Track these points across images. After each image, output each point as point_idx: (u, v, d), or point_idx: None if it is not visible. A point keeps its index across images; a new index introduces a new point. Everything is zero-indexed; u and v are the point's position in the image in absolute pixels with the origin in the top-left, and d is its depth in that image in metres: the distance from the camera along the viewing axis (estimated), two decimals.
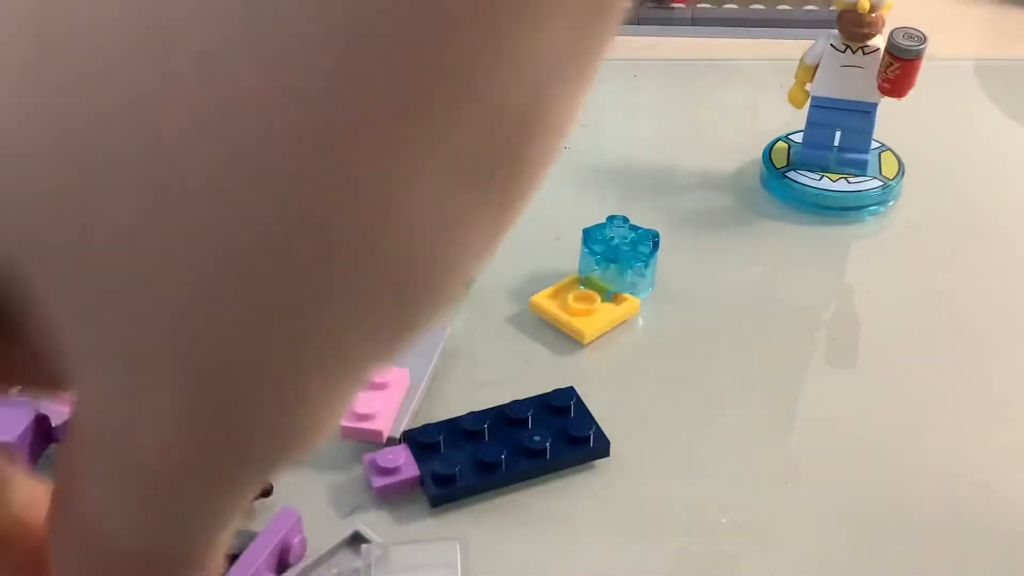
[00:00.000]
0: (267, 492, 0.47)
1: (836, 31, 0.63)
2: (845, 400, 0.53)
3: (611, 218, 0.59)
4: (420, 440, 0.49)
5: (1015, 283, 0.61)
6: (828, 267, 0.63)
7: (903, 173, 0.67)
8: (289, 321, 0.12)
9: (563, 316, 0.56)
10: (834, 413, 0.53)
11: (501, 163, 0.12)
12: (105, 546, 0.14)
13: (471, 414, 0.50)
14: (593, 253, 0.57)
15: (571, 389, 0.51)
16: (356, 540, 0.45)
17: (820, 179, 0.66)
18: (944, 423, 0.52)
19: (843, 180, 0.66)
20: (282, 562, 0.44)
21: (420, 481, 0.48)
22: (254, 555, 0.43)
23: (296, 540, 0.44)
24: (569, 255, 0.59)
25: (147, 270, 0.11)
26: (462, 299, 0.58)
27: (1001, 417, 0.52)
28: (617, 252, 0.57)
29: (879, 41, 0.62)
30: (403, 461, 0.48)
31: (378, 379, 0.50)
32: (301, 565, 0.44)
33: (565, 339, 0.56)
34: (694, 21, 0.85)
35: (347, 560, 0.44)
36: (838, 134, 0.66)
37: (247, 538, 0.44)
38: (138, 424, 0.12)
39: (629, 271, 0.57)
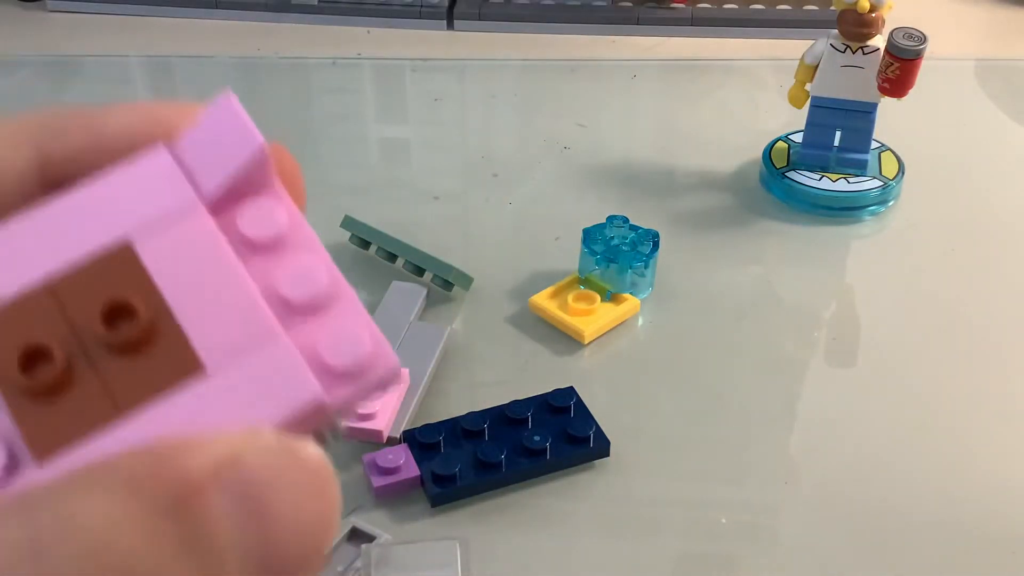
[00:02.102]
0: None
1: (836, 31, 0.63)
2: (845, 400, 0.53)
3: (611, 218, 0.59)
4: (420, 440, 0.49)
5: (1015, 283, 0.61)
6: (828, 267, 0.63)
7: (903, 173, 0.67)
8: None
9: (563, 316, 0.56)
10: (834, 413, 0.53)
11: None
12: None
13: (471, 414, 0.50)
14: (593, 253, 0.57)
15: (571, 389, 0.51)
16: (355, 536, 0.45)
17: (820, 179, 0.66)
18: (944, 423, 0.52)
19: (843, 180, 0.66)
20: None
21: (420, 481, 0.48)
22: None
23: None
24: (569, 255, 0.59)
25: None
26: (463, 299, 0.58)
27: (1001, 417, 0.52)
28: (617, 252, 0.57)
29: (879, 41, 0.62)
30: (403, 461, 0.48)
31: None
32: None
33: (565, 339, 0.56)
34: (694, 21, 0.85)
35: (348, 556, 0.44)
36: (838, 134, 0.66)
37: None
38: None
39: (629, 271, 0.57)
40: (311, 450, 0.16)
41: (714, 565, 0.46)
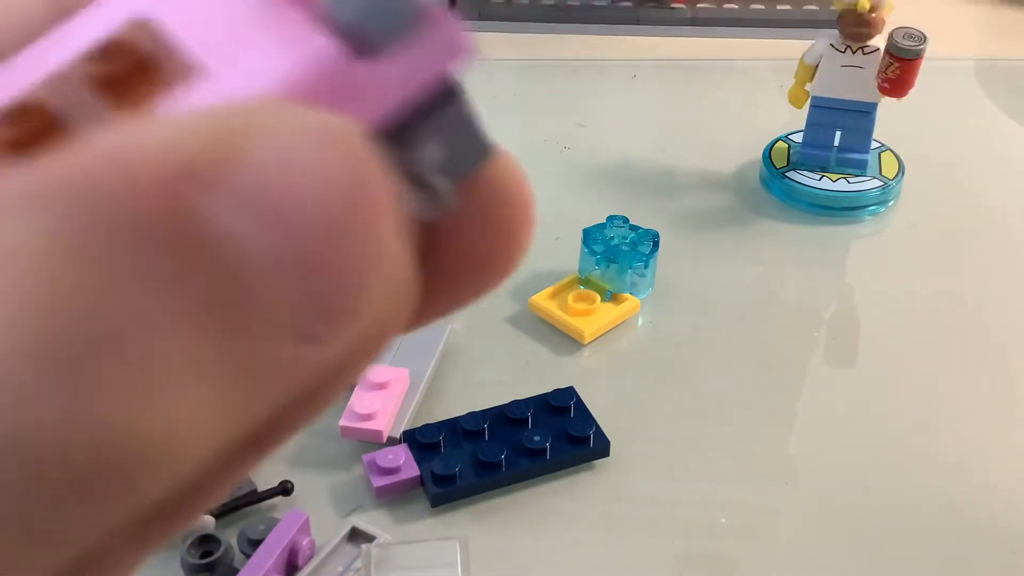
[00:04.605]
0: (287, 490, 0.47)
1: (836, 31, 0.63)
2: (845, 400, 0.53)
3: (611, 218, 0.59)
4: (420, 440, 0.49)
5: (1015, 282, 0.61)
6: (828, 267, 0.63)
7: (903, 173, 0.67)
8: None
9: (563, 316, 0.56)
10: (834, 413, 0.53)
11: None
12: None
13: (471, 414, 0.50)
14: (593, 253, 0.57)
15: (571, 389, 0.51)
16: (355, 536, 0.45)
17: (820, 179, 0.66)
18: (944, 422, 0.52)
19: (843, 180, 0.66)
20: (291, 563, 0.44)
21: (420, 481, 0.48)
22: (262, 559, 0.42)
23: (305, 542, 0.44)
24: (569, 255, 0.59)
25: None
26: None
27: (1001, 416, 0.52)
28: (617, 252, 0.57)
29: (879, 41, 0.62)
30: (403, 461, 0.48)
31: (378, 379, 0.50)
32: (309, 568, 0.44)
33: (565, 339, 0.56)
34: (694, 21, 0.85)
35: (348, 556, 0.44)
36: (838, 134, 0.66)
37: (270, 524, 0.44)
38: None
39: (629, 271, 0.57)
40: (330, 117, 0.11)
41: (714, 565, 0.46)
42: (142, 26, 0.14)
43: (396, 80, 0.13)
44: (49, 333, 0.10)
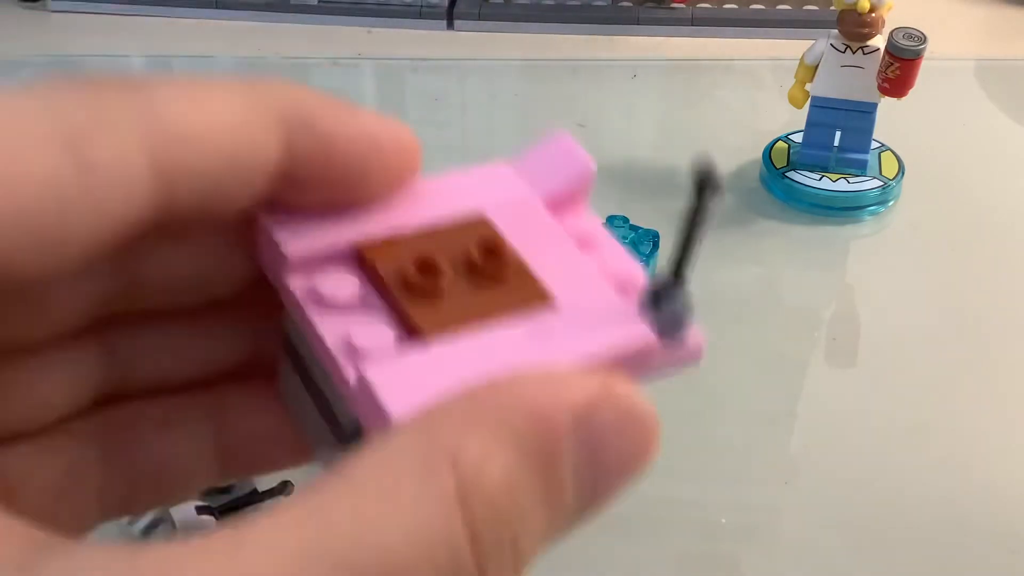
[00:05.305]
0: (288, 490, 0.47)
1: (836, 31, 0.63)
2: (845, 400, 0.53)
3: (611, 218, 0.59)
4: None
5: (1015, 283, 0.61)
6: (828, 267, 0.63)
7: (903, 173, 0.67)
8: None
9: None
10: (834, 413, 0.53)
11: None
12: None
13: None
14: None
15: None
16: None
17: (820, 179, 0.66)
18: (944, 423, 0.52)
19: (843, 180, 0.66)
20: None
21: None
22: None
23: None
24: None
25: None
26: None
27: (1002, 417, 0.52)
28: None
29: (879, 41, 0.62)
30: None
31: None
32: None
33: None
34: (694, 21, 0.85)
35: None
36: (838, 134, 0.66)
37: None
38: None
39: None
40: (647, 405, 0.17)
41: (714, 565, 0.46)
42: (484, 222, 0.21)
43: (669, 359, 0.20)
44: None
